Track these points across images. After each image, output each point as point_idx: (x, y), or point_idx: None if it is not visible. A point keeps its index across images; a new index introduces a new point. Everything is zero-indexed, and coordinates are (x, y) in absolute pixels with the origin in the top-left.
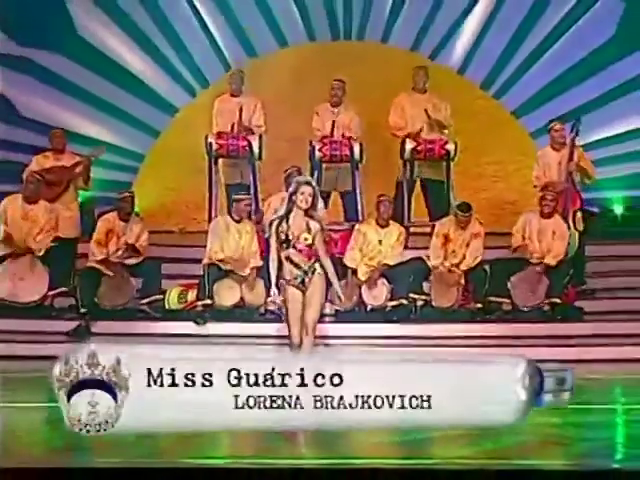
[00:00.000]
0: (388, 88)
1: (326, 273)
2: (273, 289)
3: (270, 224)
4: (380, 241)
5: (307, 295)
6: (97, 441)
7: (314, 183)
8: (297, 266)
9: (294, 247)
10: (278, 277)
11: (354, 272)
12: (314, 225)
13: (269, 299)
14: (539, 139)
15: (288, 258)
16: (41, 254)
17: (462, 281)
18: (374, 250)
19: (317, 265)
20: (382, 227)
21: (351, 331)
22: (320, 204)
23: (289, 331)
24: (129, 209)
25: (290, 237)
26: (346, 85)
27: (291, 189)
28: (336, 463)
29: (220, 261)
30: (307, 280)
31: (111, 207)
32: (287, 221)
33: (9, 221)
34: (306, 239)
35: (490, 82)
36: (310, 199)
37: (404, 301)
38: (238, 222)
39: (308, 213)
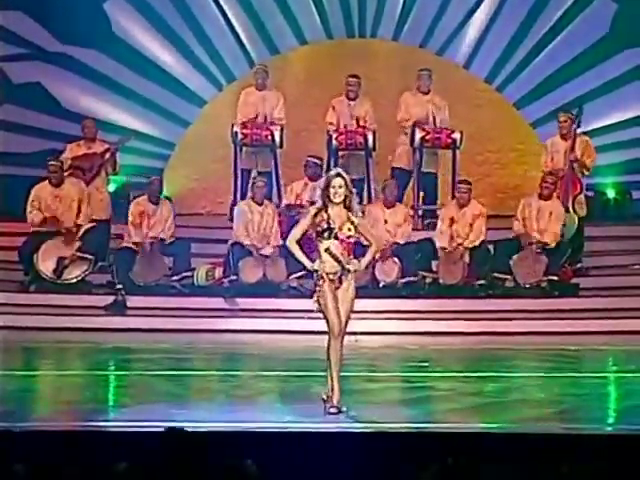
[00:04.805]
0: (399, 82)
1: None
2: (308, 264)
3: (306, 214)
4: (385, 220)
5: (341, 291)
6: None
7: (345, 174)
8: (337, 260)
9: (336, 237)
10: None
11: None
12: (355, 218)
13: (311, 265)
14: (539, 129)
15: (328, 250)
16: (88, 226)
17: (466, 258)
18: (380, 229)
19: (353, 263)
20: (388, 208)
21: (364, 306)
22: (355, 200)
23: (328, 322)
24: (158, 192)
25: (332, 226)
26: (361, 80)
27: (322, 184)
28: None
29: (245, 242)
30: (344, 278)
31: (143, 191)
32: (326, 211)
33: (43, 206)
34: (349, 229)
35: (493, 76)
36: (342, 191)
37: (414, 278)
38: (260, 205)
39: (345, 206)
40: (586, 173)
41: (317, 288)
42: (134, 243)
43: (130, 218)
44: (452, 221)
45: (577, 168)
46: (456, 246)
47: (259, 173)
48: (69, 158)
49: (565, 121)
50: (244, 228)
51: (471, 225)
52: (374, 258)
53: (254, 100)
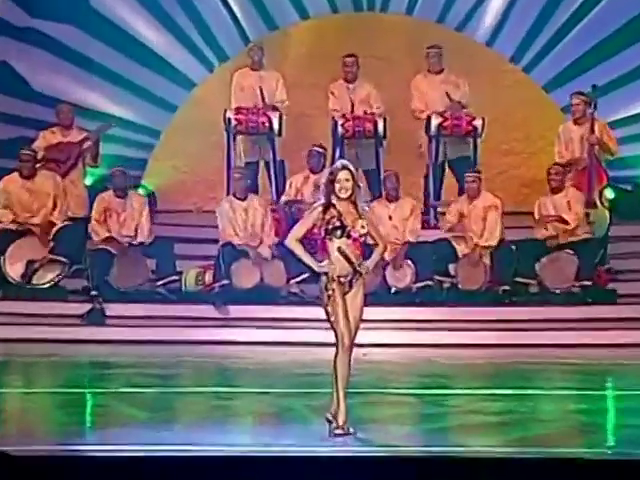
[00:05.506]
0: (412, 61)
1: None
2: (315, 265)
3: (312, 210)
4: (390, 217)
5: (349, 297)
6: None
7: (351, 167)
8: (349, 261)
9: (348, 236)
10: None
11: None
12: (365, 213)
13: (318, 266)
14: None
15: (340, 249)
16: (61, 225)
17: (487, 261)
18: (385, 226)
19: (364, 265)
20: (391, 202)
21: (374, 315)
22: (360, 195)
23: (336, 332)
24: (121, 185)
25: (345, 224)
26: (359, 59)
27: (326, 178)
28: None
29: (235, 242)
30: (354, 281)
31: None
32: (335, 207)
33: (14, 201)
34: (363, 227)
35: (520, 55)
36: (349, 185)
37: (429, 283)
38: (243, 200)
39: (351, 200)
40: (610, 158)
41: (327, 293)
42: (108, 242)
43: (94, 215)
44: (461, 216)
45: (600, 154)
46: (473, 247)
47: (249, 164)
48: (42, 147)
49: (578, 104)
50: (231, 228)
51: (484, 220)
52: (382, 258)
53: (250, 82)
